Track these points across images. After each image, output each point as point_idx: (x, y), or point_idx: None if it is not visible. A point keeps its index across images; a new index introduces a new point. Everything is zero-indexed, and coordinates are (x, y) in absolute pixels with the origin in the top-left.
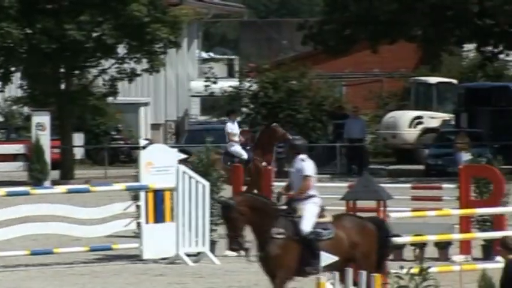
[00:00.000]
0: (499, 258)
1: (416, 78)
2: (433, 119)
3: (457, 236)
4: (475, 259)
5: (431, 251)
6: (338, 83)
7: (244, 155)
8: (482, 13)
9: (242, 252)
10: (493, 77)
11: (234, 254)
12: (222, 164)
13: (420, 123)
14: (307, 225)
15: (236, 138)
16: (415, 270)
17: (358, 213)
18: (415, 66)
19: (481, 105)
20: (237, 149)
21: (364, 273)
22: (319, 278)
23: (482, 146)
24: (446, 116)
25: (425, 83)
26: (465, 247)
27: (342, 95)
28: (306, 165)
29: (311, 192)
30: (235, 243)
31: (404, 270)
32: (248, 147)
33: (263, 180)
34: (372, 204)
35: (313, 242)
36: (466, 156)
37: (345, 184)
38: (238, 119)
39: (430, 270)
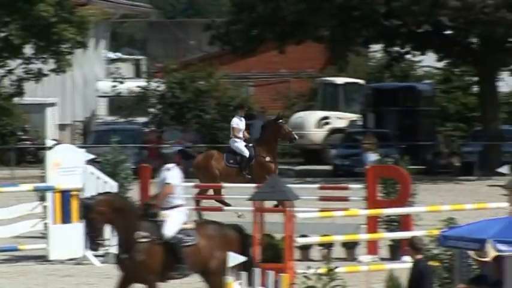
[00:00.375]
0: (405, 258)
1: (323, 78)
2: (340, 119)
3: (364, 236)
4: (382, 259)
5: (338, 251)
6: (245, 84)
7: (246, 153)
8: (389, 13)
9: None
10: (400, 78)
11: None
12: (224, 162)
13: (327, 123)
14: (170, 229)
15: (240, 134)
16: (322, 271)
17: (265, 214)
18: (322, 67)
19: (388, 106)
20: (239, 145)
21: (272, 274)
22: (227, 278)
23: (389, 147)
24: (353, 116)
25: (332, 84)
26: (372, 247)
27: (249, 96)
28: (170, 174)
29: (178, 201)
30: (94, 242)
31: (312, 271)
32: (251, 145)
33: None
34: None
35: (176, 247)
36: (373, 157)
37: (252, 184)
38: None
39: (338, 270)
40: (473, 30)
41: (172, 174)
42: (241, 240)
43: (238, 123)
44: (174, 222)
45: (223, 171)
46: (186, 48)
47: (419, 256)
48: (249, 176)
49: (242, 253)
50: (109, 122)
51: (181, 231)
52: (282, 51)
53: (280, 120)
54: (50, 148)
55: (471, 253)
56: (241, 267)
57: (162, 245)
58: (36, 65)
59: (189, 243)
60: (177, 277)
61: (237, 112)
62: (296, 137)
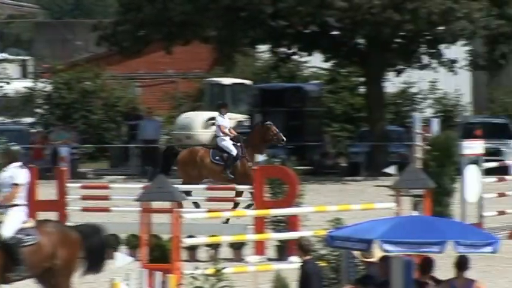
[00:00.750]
0: (293, 258)
1: (211, 79)
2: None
3: (251, 237)
4: (270, 259)
5: (225, 252)
6: (132, 84)
7: (234, 151)
8: (276, 14)
9: None
10: (287, 78)
11: None
12: (210, 159)
13: (214, 124)
14: (7, 230)
15: (227, 131)
16: (210, 271)
17: (153, 214)
18: (209, 67)
19: (275, 106)
20: (227, 143)
21: (159, 274)
22: (114, 278)
23: (276, 147)
24: (240, 117)
25: (219, 84)
26: (259, 248)
27: (136, 96)
28: (18, 173)
29: (17, 200)
30: None
31: (199, 271)
32: (239, 144)
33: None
34: (167, 205)
35: (14, 248)
36: (260, 157)
37: (140, 185)
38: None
39: (225, 270)
40: (359, 30)
41: (21, 173)
42: (84, 241)
43: (223, 120)
44: (12, 222)
45: (207, 168)
46: (73, 49)
47: (307, 257)
48: (232, 176)
49: (91, 254)
50: None
51: (21, 230)
52: (169, 51)
53: (268, 122)
54: None
55: (357, 253)
56: (89, 266)
57: (0, 247)
58: None
59: (29, 243)
60: (16, 279)
61: (220, 110)
62: (284, 138)
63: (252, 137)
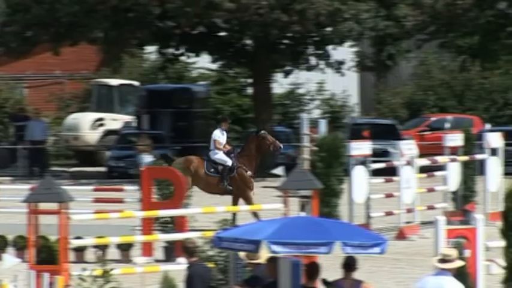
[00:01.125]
0: (180, 259)
1: (98, 80)
2: (115, 121)
3: (139, 238)
4: (157, 261)
5: (113, 253)
6: (19, 85)
7: (229, 162)
8: (164, 15)
9: None
10: (175, 79)
11: None
12: (205, 171)
13: (102, 125)
14: None
15: (221, 147)
16: (97, 272)
17: (41, 216)
18: (96, 69)
19: (163, 107)
20: (220, 156)
21: (46, 276)
22: (1, 280)
23: (164, 148)
24: (127, 118)
25: (106, 85)
26: (147, 249)
27: (23, 97)
28: None
29: None
30: None
31: (87, 272)
32: (232, 155)
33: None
34: (54, 206)
35: None
36: (147, 158)
37: (27, 186)
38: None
39: (113, 272)
40: (247, 31)
41: None
42: None
43: (220, 136)
44: None
45: (202, 180)
46: None
47: (193, 258)
48: (230, 187)
49: None
50: None
51: None
52: (57, 52)
53: (263, 132)
54: None
55: (242, 255)
56: None
57: None
58: None
59: None
60: None
61: (220, 125)
62: (281, 145)
63: (247, 147)
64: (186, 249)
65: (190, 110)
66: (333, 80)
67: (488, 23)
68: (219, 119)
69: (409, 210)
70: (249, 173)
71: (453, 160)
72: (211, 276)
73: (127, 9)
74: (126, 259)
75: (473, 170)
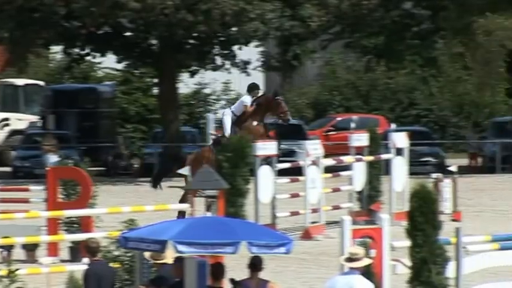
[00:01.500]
0: (86, 260)
1: (3, 80)
2: (20, 120)
3: (45, 238)
4: (63, 261)
5: (19, 253)
6: None
7: (227, 132)
8: (70, 15)
9: None
10: (80, 79)
11: None
12: (214, 155)
13: (7, 125)
14: None
15: (248, 109)
16: (3, 273)
17: None
18: (1, 68)
19: (68, 107)
20: (227, 120)
21: None
22: None
23: (70, 148)
24: (33, 118)
25: (12, 85)
26: (53, 249)
27: None
28: None
29: None
30: None
31: None
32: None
33: None
34: None
35: None
36: (53, 158)
37: None
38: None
39: (18, 272)
40: (153, 31)
41: None
42: None
43: (249, 102)
44: None
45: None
46: None
47: (96, 258)
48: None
49: None
50: None
51: None
52: None
53: (279, 97)
54: None
55: (147, 255)
56: None
57: None
58: None
59: None
60: None
61: (254, 92)
62: (290, 118)
63: (258, 104)
64: (89, 248)
65: (96, 110)
66: (238, 79)
67: (393, 23)
68: (252, 86)
69: (315, 210)
70: (255, 123)
71: (359, 160)
72: (112, 276)
73: (32, 9)
74: (31, 259)
75: (378, 170)
